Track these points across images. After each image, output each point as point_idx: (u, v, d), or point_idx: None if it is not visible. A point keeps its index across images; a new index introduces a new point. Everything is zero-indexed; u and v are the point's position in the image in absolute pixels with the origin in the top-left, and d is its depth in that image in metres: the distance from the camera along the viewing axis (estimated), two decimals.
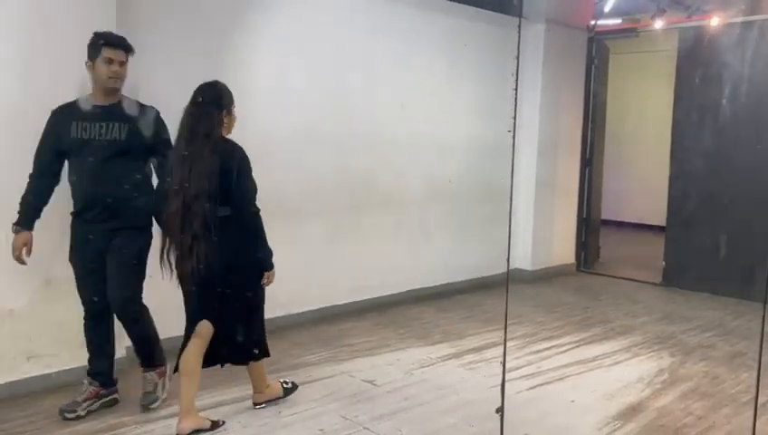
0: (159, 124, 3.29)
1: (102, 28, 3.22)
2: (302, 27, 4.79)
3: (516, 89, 2.38)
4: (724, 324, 5.29)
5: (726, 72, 6.09)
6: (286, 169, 4.76)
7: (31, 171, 3.17)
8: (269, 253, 3.14)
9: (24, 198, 3.15)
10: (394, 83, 5.46)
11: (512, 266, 6.76)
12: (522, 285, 6.48)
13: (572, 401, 3.65)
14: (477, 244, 6.32)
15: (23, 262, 3.14)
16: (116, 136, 3.14)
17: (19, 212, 3.14)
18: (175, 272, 3.01)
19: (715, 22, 6.16)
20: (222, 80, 2.98)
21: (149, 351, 3.38)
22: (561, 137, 6.81)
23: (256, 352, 3.27)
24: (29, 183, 3.17)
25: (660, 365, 4.28)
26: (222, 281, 3.01)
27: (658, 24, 6.94)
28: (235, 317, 3.13)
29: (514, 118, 2.05)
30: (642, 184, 9.91)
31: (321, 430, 3.20)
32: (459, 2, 5.93)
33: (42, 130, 3.16)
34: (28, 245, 3.13)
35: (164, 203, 2.99)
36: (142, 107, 3.28)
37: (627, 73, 9.59)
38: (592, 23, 6.98)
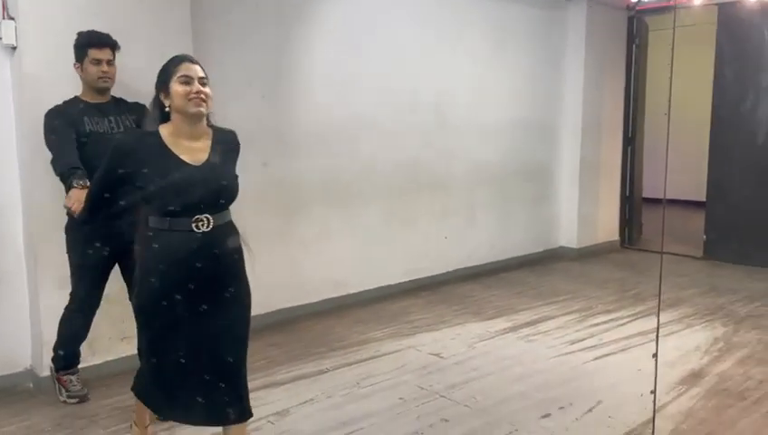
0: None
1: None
2: (355, 17, 4.93)
3: (671, 78, 2.49)
4: None
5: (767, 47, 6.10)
6: (343, 154, 4.94)
7: (53, 156, 2.96)
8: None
9: (63, 163, 2.87)
10: (440, 70, 5.57)
11: (557, 244, 6.89)
12: (568, 262, 6.62)
13: (639, 370, 3.77)
14: (521, 223, 6.46)
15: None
16: (128, 125, 3.13)
17: (68, 172, 2.82)
18: None
19: None
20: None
21: None
22: (603, 116, 6.88)
23: None
24: (59, 157, 2.92)
25: (714, 334, 4.40)
26: None
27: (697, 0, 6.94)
28: None
29: (669, 101, 2.17)
30: (682, 161, 9.87)
31: (401, 398, 3.39)
32: None
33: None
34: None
35: None
36: (128, 102, 3.24)
37: (666, 49, 9.47)
38: (633, 0, 7.00)
